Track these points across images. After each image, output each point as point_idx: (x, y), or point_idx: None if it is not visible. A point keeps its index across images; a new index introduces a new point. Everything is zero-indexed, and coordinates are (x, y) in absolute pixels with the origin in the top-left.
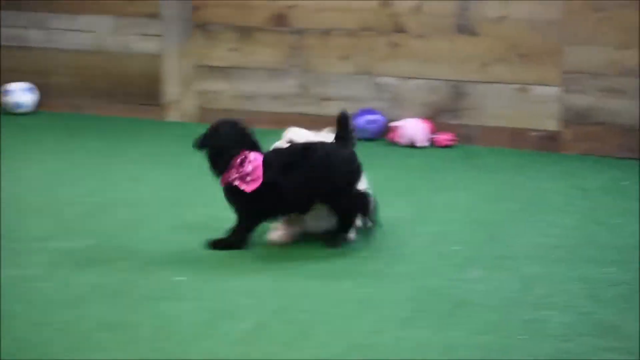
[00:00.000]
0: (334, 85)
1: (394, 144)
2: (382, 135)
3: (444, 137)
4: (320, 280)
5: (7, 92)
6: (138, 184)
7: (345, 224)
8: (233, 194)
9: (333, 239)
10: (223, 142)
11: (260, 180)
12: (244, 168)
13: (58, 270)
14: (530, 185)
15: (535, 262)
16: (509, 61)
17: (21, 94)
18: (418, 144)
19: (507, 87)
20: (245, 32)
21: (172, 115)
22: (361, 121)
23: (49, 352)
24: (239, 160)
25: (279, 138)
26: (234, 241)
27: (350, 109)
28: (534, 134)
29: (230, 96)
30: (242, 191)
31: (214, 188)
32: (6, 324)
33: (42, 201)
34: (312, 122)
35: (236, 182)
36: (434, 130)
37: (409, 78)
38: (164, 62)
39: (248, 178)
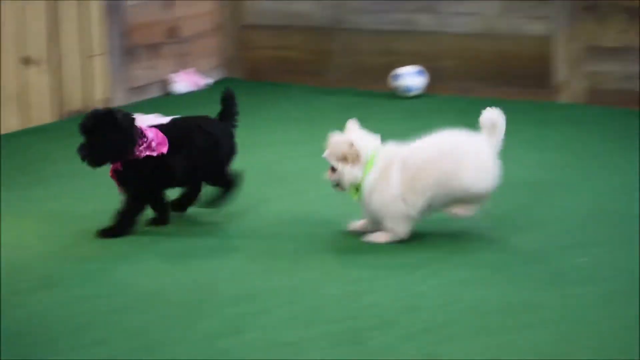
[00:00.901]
0: None
1: None
2: None
3: None
4: None
5: (397, 75)
6: (521, 165)
7: (220, 198)
8: (139, 167)
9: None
10: (127, 127)
11: (167, 142)
12: (145, 138)
13: (457, 250)
14: None
15: None
16: None
17: (411, 77)
18: None
19: None
20: (635, 13)
21: (562, 97)
22: None
23: (454, 331)
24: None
25: None
26: (124, 227)
27: None
28: None
29: (620, 77)
30: (148, 161)
31: (603, 173)
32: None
33: None
34: None
35: (145, 153)
36: None
37: None
38: (553, 44)
39: (153, 144)
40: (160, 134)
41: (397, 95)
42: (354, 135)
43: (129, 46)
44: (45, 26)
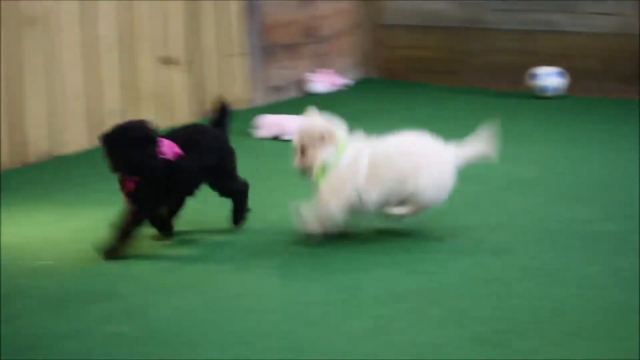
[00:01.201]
0: None
1: None
2: None
3: None
4: None
5: (535, 75)
6: None
7: (239, 206)
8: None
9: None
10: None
11: (175, 146)
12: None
13: (601, 252)
14: None
15: None
16: None
17: (549, 77)
18: None
19: None
20: None
21: None
22: None
23: (598, 334)
24: None
25: None
26: (126, 243)
27: None
28: None
29: None
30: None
31: None
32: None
33: (587, 185)
34: None
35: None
36: None
37: None
38: None
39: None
40: (169, 144)
41: (534, 95)
42: (323, 118)
43: (267, 45)
44: (183, 25)
